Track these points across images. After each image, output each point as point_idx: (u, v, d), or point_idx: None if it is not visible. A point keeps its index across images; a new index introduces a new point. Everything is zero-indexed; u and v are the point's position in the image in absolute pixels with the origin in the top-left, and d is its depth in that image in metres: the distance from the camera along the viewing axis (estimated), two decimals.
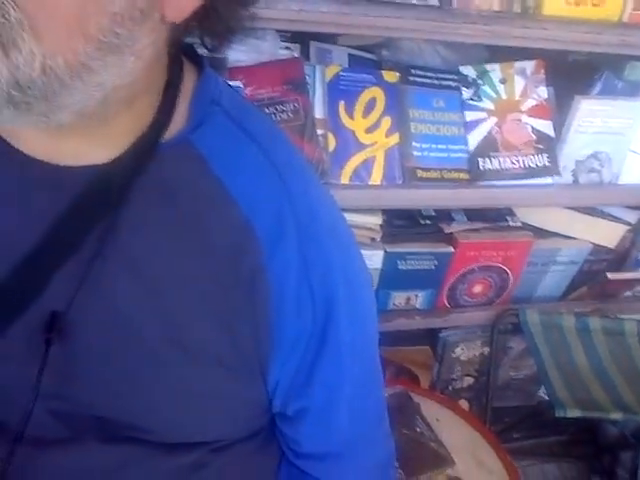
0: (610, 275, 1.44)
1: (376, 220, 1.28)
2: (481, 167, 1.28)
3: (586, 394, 1.34)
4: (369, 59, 1.33)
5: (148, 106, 0.51)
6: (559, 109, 1.34)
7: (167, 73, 0.52)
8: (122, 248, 0.51)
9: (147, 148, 0.51)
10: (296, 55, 1.24)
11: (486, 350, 1.54)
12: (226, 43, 0.55)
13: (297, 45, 1.26)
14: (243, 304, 0.53)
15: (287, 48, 1.26)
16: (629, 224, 1.47)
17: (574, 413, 1.27)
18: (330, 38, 1.31)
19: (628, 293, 1.59)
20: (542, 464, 1.77)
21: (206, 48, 0.55)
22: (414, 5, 1.08)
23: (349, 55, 1.32)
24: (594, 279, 1.51)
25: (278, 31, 1.21)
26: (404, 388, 1.22)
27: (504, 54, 1.33)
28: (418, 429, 1.15)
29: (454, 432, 1.19)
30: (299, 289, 0.54)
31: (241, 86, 1.15)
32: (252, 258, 0.52)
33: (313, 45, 1.30)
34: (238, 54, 1.15)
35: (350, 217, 1.26)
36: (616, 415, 1.30)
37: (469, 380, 1.59)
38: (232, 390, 0.57)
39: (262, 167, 0.54)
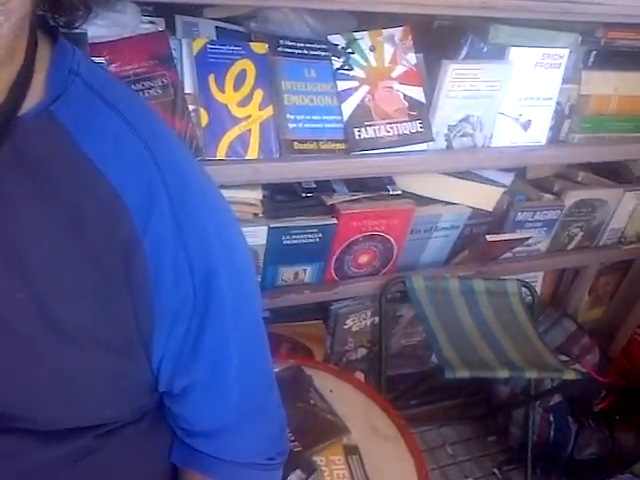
0: (489, 237, 1.49)
1: (256, 195, 1.25)
2: (357, 136, 1.28)
3: (474, 355, 1.38)
4: (238, 31, 1.30)
5: (10, 74, 0.48)
6: (429, 75, 1.36)
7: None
8: None
9: (6, 119, 0.48)
10: (161, 29, 1.19)
11: (377, 320, 1.55)
12: (76, 14, 0.53)
13: (161, 19, 1.21)
14: (119, 280, 0.51)
15: (151, 22, 1.20)
16: (504, 186, 1.52)
17: (463, 374, 1.30)
18: (196, 11, 1.26)
19: (508, 254, 1.65)
20: (439, 428, 1.82)
21: (55, 22, 0.54)
22: None
23: (217, 28, 1.28)
24: (475, 242, 1.56)
25: (140, 4, 1.16)
26: (296, 362, 1.21)
27: (372, 22, 1.33)
28: (312, 401, 1.14)
29: (348, 402, 1.19)
30: (176, 259, 0.53)
31: (105, 62, 1.08)
32: (125, 232, 0.51)
33: (178, 19, 1.25)
34: (99, 29, 1.09)
35: (230, 193, 1.23)
36: (503, 373, 1.34)
37: (362, 351, 1.60)
38: (114, 370, 0.55)
39: (127, 138, 0.53)
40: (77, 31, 1.08)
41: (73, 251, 0.50)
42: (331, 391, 1.19)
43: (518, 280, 1.58)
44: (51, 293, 0.50)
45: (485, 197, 1.51)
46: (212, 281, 0.55)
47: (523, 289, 1.58)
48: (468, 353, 1.38)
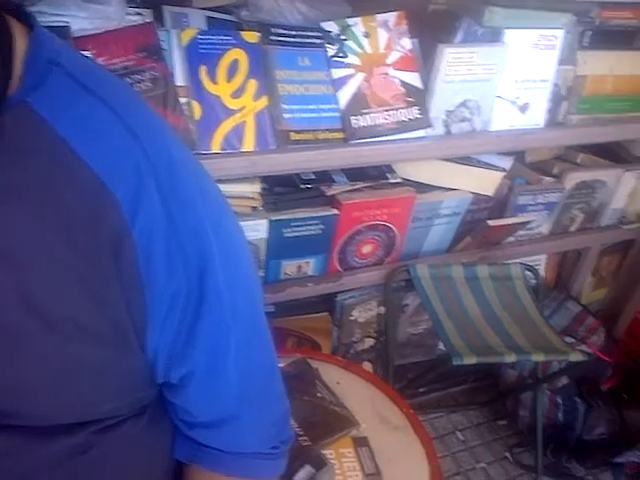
0: (491, 222, 1.47)
1: (255, 188, 1.23)
2: (354, 125, 1.26)
3: (480, 340, 1.37)
4: (229, 21, 1.27)
5: None
6: (425, 60, 1.34)
7: None
8: None
9: None
10: (150, 20, 1.17)
11: (383, 310, 1.54)
12: None
13: (149, 11, 1.19)
14: (108, 269, 0.50)
15: (138, 14, 1.18)
16: (504, 170, 1.50)
17: (470, 360, 1.29)
18: (184, 1, 1.24)
19: (511, 239, 1.64)
20: (449, 414, 1.81)
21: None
22: None
23: (207, 18, 1.26)
24: (477, 228, 1.54)
25: None
26: (302, 355, 1.19)
27: (366, 9, 1.31)
28: (319, 394, 1.12)
29: (356, 393, 1.17)
30: (168, 246, 0.52)
31: (91, 56, 1.06)
32: (113, 221, 0.49)
33: (166, 10, 1.22)
34: (82, 22, 1.06)
35: (227, 187, 1.22)
36: (510, 358, 1.33)
37: (370, 342, 1.59)
38: (107, 361, 0.53)
39: (111, 126, 0.51)
40: (59, 24, 1.06)
41: (57, 241, 0.49)
42: (338, 383, 1.17)
43: (521, 264, 1.57)
44: (36, 282, 0.49)
45: (485, 182, 1.49)
46: (207, 267, 0.54)
47: (527, 273, 1.57)
48: (475, 339, 1.36)
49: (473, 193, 1.49)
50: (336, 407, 1.11)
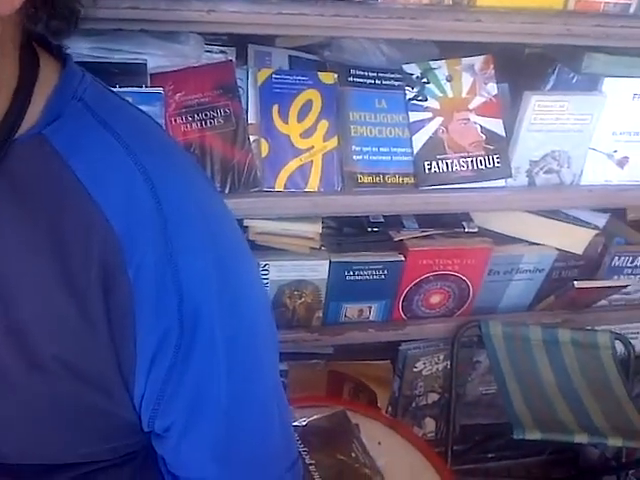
0: (577, 283, 1.35)
1: (315, 228, 1.21)
2: (427, 170, 1.21)
3: (550, 413, 1.25)
4: (311, 60, 1.27)
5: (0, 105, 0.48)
6: (514, 106, 1.26)
7: (19, 70, 0.49)
8: None
9: None
10: (231, 59, 1.20)
11: (449, 364, 1.45)
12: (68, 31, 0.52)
13: (233, 49, 1.22)
14: (98, 309, 0.49)
15: (222, 52, 1.21)
16: (597, 228, 1.38)
17: (533, 435, 1.18)
18: (269, 40, 1.25)
19: (603, 302, 1.49)
20: None
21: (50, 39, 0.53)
22: (333, 1, 1.02)
23: (290, 57, 1.26)
24: (564, 288, 1.42)
25: (213, 35, 1.17)
26: (343, 407, 1.13)
27: (456, 50, 1.26)
28: (353, 454, 1.05)
29: (396, 457, 1.10)
30: (164, 291, 0.50)
31: (164, 92, 1.09)
32: (111, 259, 0.49)
33: (251, 48, 1.24)
34: (161, 59, 1.11)
35: (287, 225, 1.21)
36: (581, 438, 1.20)
37: (434, 396, 1.51)
38: (89, 404, 0.52)
39: (122, 163, 0.51)
40: (137, 61, 1.11)
41: (53, 276, 0.48)
42: (379, 444, 1.10)
43: (612, 332, 1.42)
44: (27, 319, 0.49)
45: (574, 239, 1.37)
46: (201, 316, 0.52)
47: (617, 342, 1.42)
48: (543, 411, 1.25)
49: (559, 250, 1.38)
50: (367, 470, 1.03)
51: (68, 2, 0.50)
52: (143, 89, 1.07)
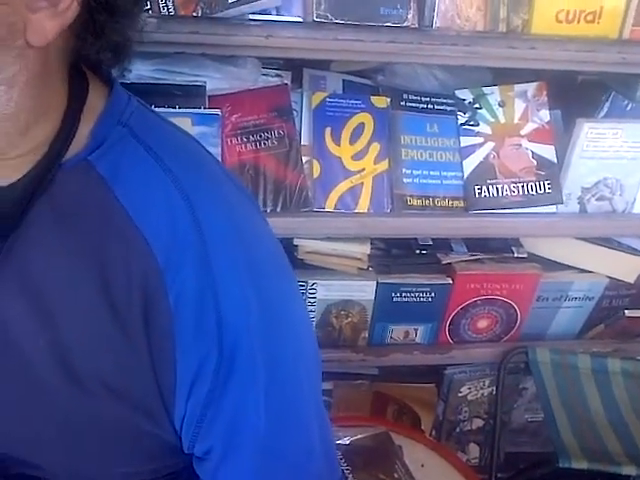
0: (628, 312, 1.33)
1: (364, 249, 1.23)
2: (477, 194, 1.21)
3: (597, 443, 1.23)
4: (364, 84, 1.30)
5: (48, 131, 0.50)
6: (567, 133, 1.26)
7: (68, 96, 0.51)
8: (17, 271, 0.50)
9: (45, 172, 0.50)
10: (287, 82, 1.23)
11: (495, 390, 1.44)
12: (123, 58, 0.54)
13: (289, 72, 1.25)
14: (138, 332, 0.50)
15: (278, 75, 1.25)
16: None
17: (580, 464, 1.16)
18: (324, 64, 1.29)
19: None
20: None
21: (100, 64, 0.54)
22: (389, 27, 1.04)
23: (344, 81, 1.29)
24: (614, 316, 1.40)
25: (270, 59, 1.21)
26: (386, 428, 1.14)
27: (510, 76, 1.27)
28: (396, 475, 1.05)
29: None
30: (204, 317, 0.51)
31: (222, 113, 1.13)
32: (152, 283, 0.50)
33: (306, 72, 1.28)
34: (219, 82, 1.15)
35: (336, 246, 1.23)
36: (630, 470, 1.17)
37: (478, 422, 1.49)
38: (128, 424, 0.53)
39: (166, 191, 0.52)
40: (196, 84, 1.16)
41: (96, 300, 0.50)
42: (422, 466, 1.10)
43: None
44: (70, 338, 0.50)
45: (625, 267, 1.35)
46: (241, 342, 0.52)
47: None
48: (591, 441, 1.23)
49: (610, 278, 1.36)
50: None
51: (113, 35, 0.49)
52: (201, 110, 1.11)
